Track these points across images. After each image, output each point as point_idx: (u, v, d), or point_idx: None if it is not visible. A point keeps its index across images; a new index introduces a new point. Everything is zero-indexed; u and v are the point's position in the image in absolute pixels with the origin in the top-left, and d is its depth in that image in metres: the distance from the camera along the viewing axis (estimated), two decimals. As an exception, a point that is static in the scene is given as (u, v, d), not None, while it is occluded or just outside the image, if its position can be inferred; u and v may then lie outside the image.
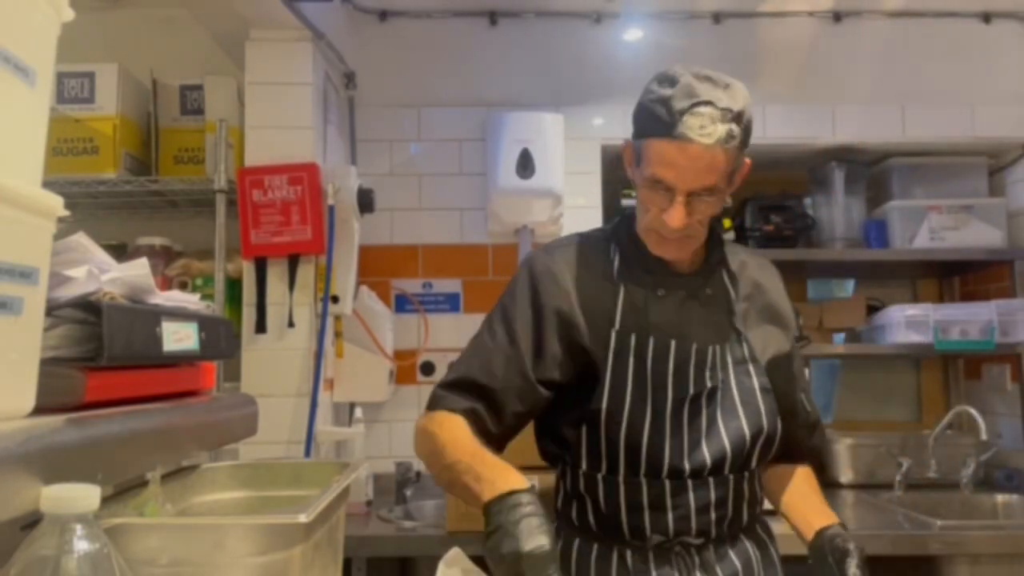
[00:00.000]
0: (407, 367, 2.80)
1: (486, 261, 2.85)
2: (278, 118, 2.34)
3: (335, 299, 2.36)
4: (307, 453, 2.24)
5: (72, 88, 2.30)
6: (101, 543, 0.63)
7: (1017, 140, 2.85)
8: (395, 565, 2.29)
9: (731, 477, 1.32)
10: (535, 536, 1.02)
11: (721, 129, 1.21)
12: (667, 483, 1.29)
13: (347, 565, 2.07)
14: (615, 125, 2.84)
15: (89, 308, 0.80)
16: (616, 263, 1.40)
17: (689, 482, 1.29)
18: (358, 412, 2.53)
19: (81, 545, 0.62)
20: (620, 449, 1.30)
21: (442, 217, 2.86)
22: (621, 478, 1.31)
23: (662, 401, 1.30)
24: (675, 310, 1.35)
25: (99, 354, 0.80)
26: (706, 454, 1.30)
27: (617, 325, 1.34)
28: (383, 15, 2.76)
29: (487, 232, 2.84)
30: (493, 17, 2.79)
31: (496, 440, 1.32)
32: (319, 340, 2.30)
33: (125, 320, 0.85)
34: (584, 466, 1.34)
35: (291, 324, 2.28)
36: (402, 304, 2.85)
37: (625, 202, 2.88)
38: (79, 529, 0.62)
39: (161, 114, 2.45)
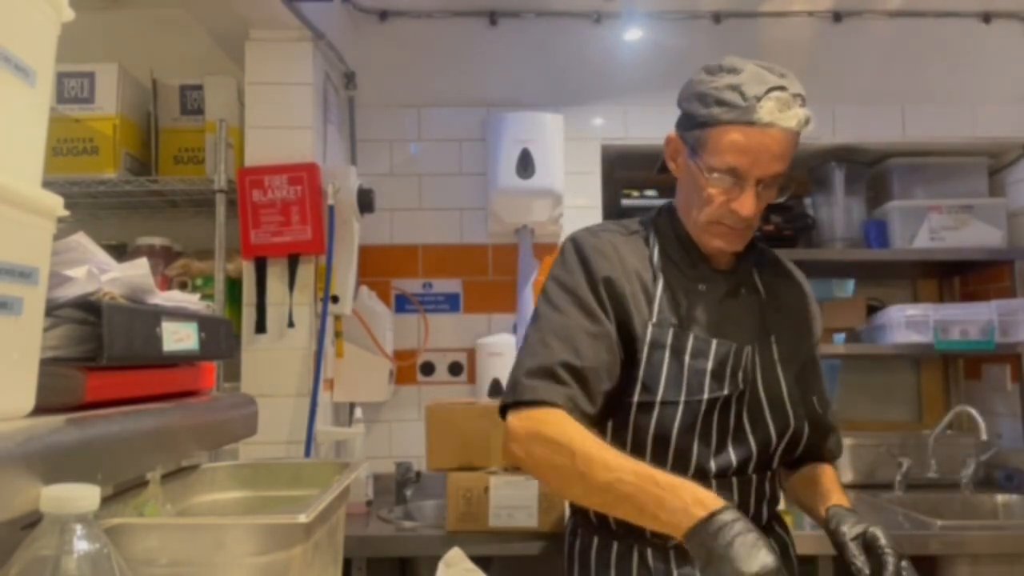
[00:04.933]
0: (407, 367, 2.80)
1: (486, 261, 2.85)
2: (278, 118, 2.34)
3: (335, 299, 2.36)
4: (307, 453, 2.24)
5: (72, 88, 2.29)
6: (101, 543, 0.63)
7: (1017, 140, 2.85)
8: (395, 565, 2.29)
9: (754, 477, 1.31)
10: (756, 556, 0.95)
11: (801, 113, 1.20)
12: None
13: (347, 565, 2.07)
14: (615, 125, 2.84)
15: (89, 308, 0.80)
16: (655, 255, 1.35)
17: (713, 482, 1.26)
18: (358, 412, 2.53)
19: (81, 545, 0.62)
20: (648, 446, 1.27)
21: (442, 217, 2.86)
22: None
23: (697, 401, 1.26)
24: (715, 307, 1.32)
25: (99, 354, 0.80)
26: (732, 455, 1.28)
27: (654, 318, 1.29)
28: (383, 15, 2.77)
29: (487, 232, 2.84)
30: (493, 17, 2.79)
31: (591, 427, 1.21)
32: (319, 340, 2.30)
33: (125, 320, 0.85)
34: None
35: (291, 324, 2.28)
36: (402, 304, 2.85)
37: (625, 202, 2.88)
38: (79, 529, 0.62)
39: (161, 114, 2.45)
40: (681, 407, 1.26)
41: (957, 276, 3.19)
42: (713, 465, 1.27)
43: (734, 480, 1.29)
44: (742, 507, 1.28)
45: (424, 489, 2.55)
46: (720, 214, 1.26)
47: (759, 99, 1.18)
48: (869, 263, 2.98)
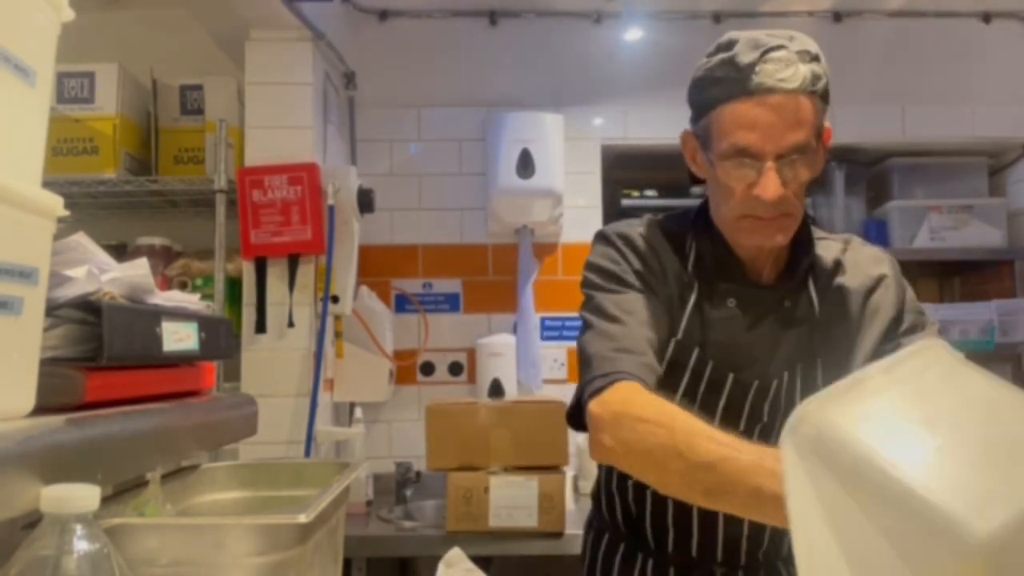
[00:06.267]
0: (407, 367, 2.80)
1: (486, 261, 2.85)
2: (278, 118, 2.34)
3: (335, 299, 2.36)
4: (307, 453, 2.24)
5: (72, 88, 2.30)
6: (101, 543, 0.63)
7: (1017, 140, 2.85)
8: (395, 565, 2.29)
9: None
10: None
11: (803, 70, 1.03)
12: (695, 508, 1.17)
13: (347, 565, 2.07)
14: (615, 125, 2.84)
15: (89, 308, 0.80)
16: (692, 261, 1.20)
17: (720, 514, 1.16)
18: (358, 412, 2.53)
19: (81, 545, 0.62)
20: None
21: (442, 217, 2.86)
22: (649, 489, 1.23)
23: None
24: (742, 331, 1.16)
25: (99, 354, 0.80)
26: None
27: (679, 334, 1.17)
28: (383, 15, 2.77)
29: (487, 232, 2.84)
30: (493, 17, 2.79)
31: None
32: (319, 340, 2.29)
33: (125, 320, 0.85)
34: None
35: (291, 324, 2.28)
36: (402, 304, 2.85)
37: (625, 202, 2.88)
38: (79, 529, 0.62)
39: (161, 114, 2.45)
40: None
41: (957, 276, 3.19)
42: None
43: (745, 520, 1.14)
44: (754, 540, 1.21)
45: (424, 489, 2.55)
46: (746, 205, 1.09)
47: (754, 65, 1.03)
48: (869, 263, 2.98)
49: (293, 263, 2.30)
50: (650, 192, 2.86)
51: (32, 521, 0.64)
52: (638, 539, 1.28)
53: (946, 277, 3.22)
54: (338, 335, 2.50)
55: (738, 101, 1.05)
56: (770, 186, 1.05)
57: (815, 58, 1.05)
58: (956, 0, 2.75)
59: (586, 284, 1.20)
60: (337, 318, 2.47)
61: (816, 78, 1.04)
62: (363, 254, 2.69)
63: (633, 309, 1.13)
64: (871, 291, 1.18)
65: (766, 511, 0.87)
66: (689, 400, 1.15)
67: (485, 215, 2.82)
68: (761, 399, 1.16)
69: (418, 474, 2.55)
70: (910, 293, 1.21)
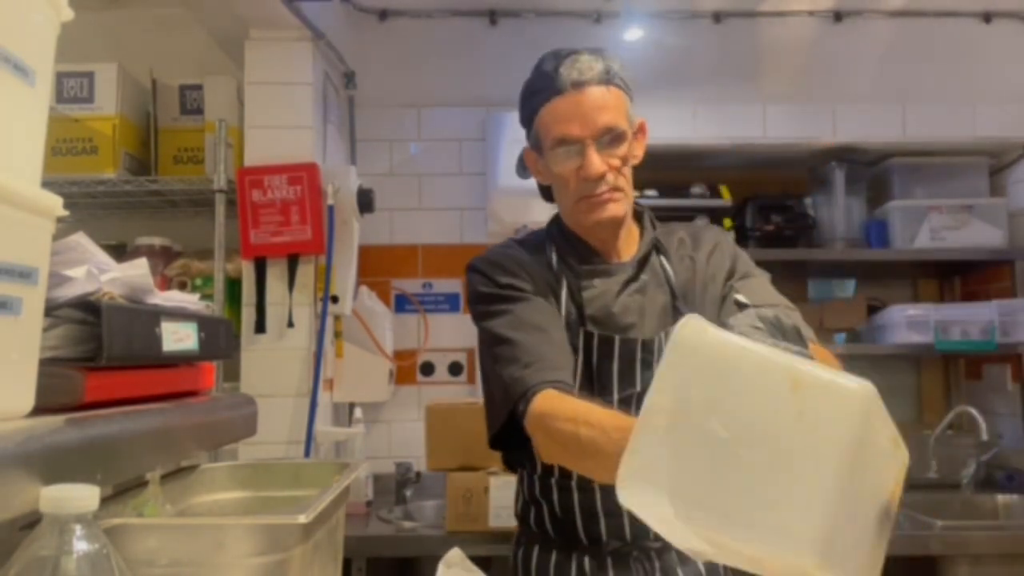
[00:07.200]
0: (407, 367, 2.80)
1: (486, 261, 2.85)
2: (278, 118, 2.34)
3: (335, 299, 2.36)
4: (307, 453, 2.24)
5: (72, 88, 2.29)
6: (100, 543, 0.63)
7: (1017, 140, 2.85)
8: (395, 565, 2.28)
9: None
10: None
11: (597, 66, 1.25)
12: None
13: (347, 565, 2.07)
14: (615, 125, 2.84)
15: (88, 308, 0.80)
16: (554, 259, 1.35)
17: None
18: (358, 412, 2.53)
19: (80, 545, 0.62)
20: None
21: (442, 217, 2.86)
22: (574, 483, 1.28)
23: (608, 401, 1.24)
24: (613, 301, 1.30)
25: (98, 354, 0.80)
26: None
27: (562, 321, 1.29)
28: (383, 15, 2.76)
29: (487, 232, 2.84)
30: (493, 17, 2.79)
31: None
32: (319, 340, 2.29)
33: (124, 320, 0.84)
34: (539, 470, 1.31)
35: (291, 324, 2.28)
36: (402, 304, 2.85)
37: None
38: (78, 529, 0.62)
39: (161, 114, 2.45)
40: None
41: (958, 276, 3.19)
42: None
43: None
44: None
45: (424, 489, 2.55)
46: (579, 188, 1.27)
47: (557, 69, 1.24)
48: (869, 263, 2.98)
49: (293, 263, 2.30)
50: (650, 192, 2.85)
51: (32, 521, 0.64)
52: (570, 539, 1.29)
53: (946, 277, 3.22)
54: (338, 335, 2.50)
55: (552, 101, 1.26)
56: (593, 164, 1.24)
57: (609, 58, 1.28)
58: (956, 0, 2.75)
59: (476, 317, 1.33)
60: (337, 318, 2.47)
61: (609, 72, 1.26)
62: (363, 254, 2.69)
63: (522, 322, 1.24)
64: (711, 254, 1.38)
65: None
66: (587, 375, 1.26)
67: (485, 215, 2.81)
68: (648, 358, 1.26)
69: (418, 474, 2.55)
70: (743, 255, 1.41)
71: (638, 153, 1.33)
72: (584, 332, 1.28)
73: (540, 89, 1.27)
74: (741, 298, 1.25)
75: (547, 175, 1.34)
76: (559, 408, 1.10)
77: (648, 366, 1.26)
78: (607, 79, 1.25)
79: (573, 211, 1.32)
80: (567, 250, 1.35)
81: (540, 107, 1.27)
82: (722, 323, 1.19)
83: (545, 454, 1.17)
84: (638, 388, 1.25)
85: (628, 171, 1.30)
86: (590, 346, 1.28)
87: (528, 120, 1.32)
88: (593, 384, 1.26)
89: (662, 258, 1.36)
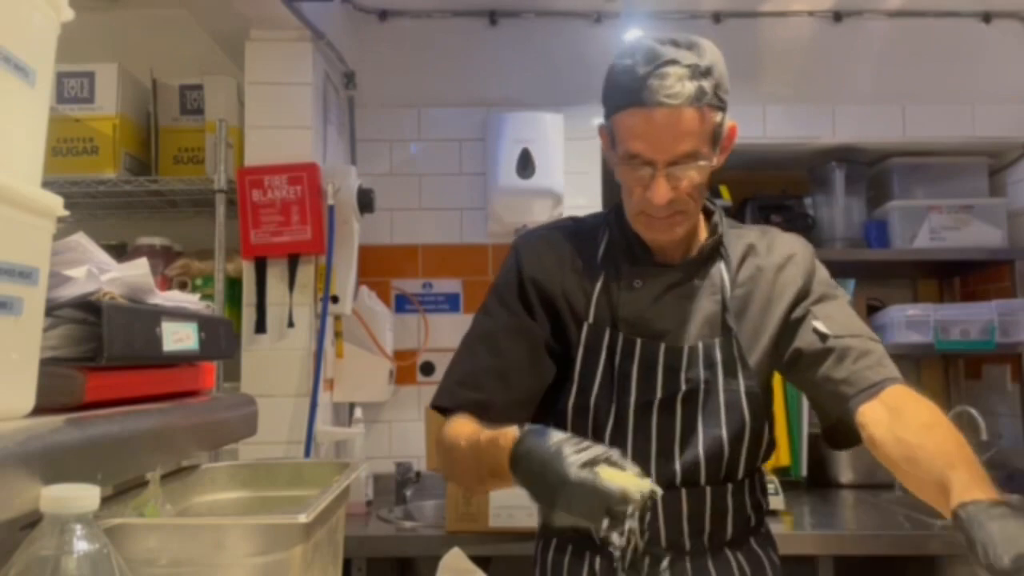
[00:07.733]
0: (407, 367, 2.80)
1: (486, 261, 2.85)
2: (278, 118, 2.34)
3: (335, 299, 2.36)
4: (307, 453, 2.24)
5: (72, 88, 2.29)
6: (101, 543, 0.63)
7: (1017, 140, 2.85)
8: (395, 565, 2.28)
9: (708, 489, 1.23)
10: (587, 450, 0.96)
11: (689, 87, 1.12)
12: None
13: (347, 565, 2.07)
14: (615, 125, 2.83)
15: (89, 308, 0.80)
16: (601, 250, 1.30)
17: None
18: (358, 412, 2.53)
19: (81, 545, 0.62)
20: None
21: (442, 217, 2.86)
22: None
23: (625, 404, 1.22)
24: (648, 304, 1.25)
25: (99, 354, 0.80)
26: (677, 464, 1.22)
27: (590, 318, 1.26)
28: (383, 15, 2.77)
29: (487, 232, 2.84)
30: (493, 17, 2.79)
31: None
32: (319, 340, 2.29)
33: (125, 320, 0.85)
34: None
35: (291, 324, 2.28)
36: (402, 304, 2.85)
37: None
38: (79, 529, 0.62)
39: (161, 114, 2.45)
40: (613, 411, 1.23)
41: (957, 276, 3.19)
42: (654, 474, 1.18)
43: (683, 492, 1.22)
44: (695, 521, 1.22)
45: (424, 489, 2.55)
46: (641, 204, 1.20)
47: (647, 78, 1.12)
48: (869, 263, 2.98)
49: (293, 263, 2.30)
50: (650, 192, 2.85)
51: (32, 521, 0.64)
52: (583, 540, 1.28)
53: (946, 277, 3.22)
54: (338, 335, 2.50)
55: (632, 109, 1.15)
56: (659, 192, 1.16)
57: (705, 72, 1.14)
58: (956, 0, 2.75)
59: (490, 292, 1.35)
60: (337, 318, 2.47)
61: (701, 93, 1.13)
62: (363, 254, 2.69)
63: (495, 341, 1.27)
64: (781, 268, 1.30)
65: (485, 480, 1.16)
66: (610, 376, 1.24)
67: (485, 215, 2.81)
68: (674, 364, 1.23)
69: (418, 474, 2.55)
70: (822, 271, 1.33)
71: (720, 160, 1.23)
72: (609, 333, 1.25)
73: (623, 90, 1.16)
74: (821, 326, 1.24)
75: (614, 161, 1.25)
76: (450, 433, 1.22)
77: (674, 372, 1.23)
78: (694, 101, 1.13)
79: (634, 221, 1.26)
80: (620, 244, 1.30)
81: (620, 109, 1.17)
82: (795, 348, 1.25)
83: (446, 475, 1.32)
84: (658, 395, 1.23)
85: (699, 191, 1.21)
86: (614, 347, 1.24)
87: (607, 108, 1.22)
88: (613, 385, 1.24)
89: (721, 264, 1.29)
